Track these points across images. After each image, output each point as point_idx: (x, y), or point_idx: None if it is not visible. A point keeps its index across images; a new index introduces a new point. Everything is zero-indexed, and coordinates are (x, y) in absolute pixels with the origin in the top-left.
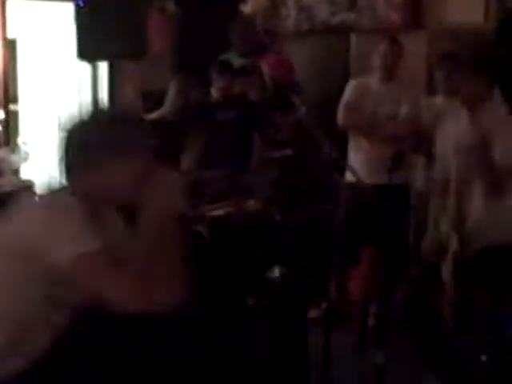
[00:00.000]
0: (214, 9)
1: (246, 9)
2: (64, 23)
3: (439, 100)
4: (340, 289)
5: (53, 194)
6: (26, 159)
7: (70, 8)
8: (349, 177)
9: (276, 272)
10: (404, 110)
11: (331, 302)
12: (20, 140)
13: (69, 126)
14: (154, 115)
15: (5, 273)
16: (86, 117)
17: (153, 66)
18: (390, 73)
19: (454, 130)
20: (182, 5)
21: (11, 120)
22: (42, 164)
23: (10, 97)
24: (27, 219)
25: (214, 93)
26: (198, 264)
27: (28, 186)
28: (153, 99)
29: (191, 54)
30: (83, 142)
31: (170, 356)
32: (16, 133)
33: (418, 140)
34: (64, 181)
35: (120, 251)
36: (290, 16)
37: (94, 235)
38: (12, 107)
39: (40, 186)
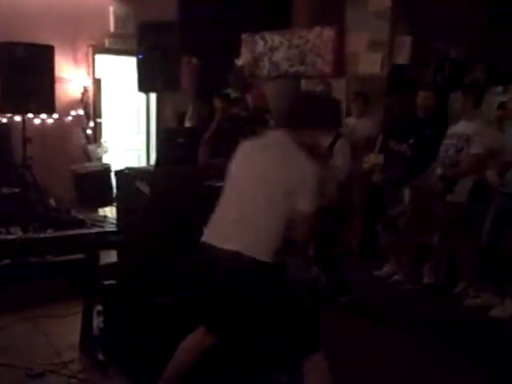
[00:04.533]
0: (219, 62)
1: (239, 62)
2: (130, 69)
3: (353, 120)
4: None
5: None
6: (106, 151)
7: (134, 60)
8: None
9: None
10: None
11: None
12: (102, 140)
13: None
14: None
15: None
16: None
17: (183, 96)
18: None
19: None
20: (200, 59)
21: (97, 127)
22: (115, 155)
23: (97, 113)
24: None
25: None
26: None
27: (107, 168)
28: (183, 116)
29: (206, 89)
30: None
31: None
32: (100, 135)
33: None
34: None
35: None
36: (265, 67)
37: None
38: (98, 120)
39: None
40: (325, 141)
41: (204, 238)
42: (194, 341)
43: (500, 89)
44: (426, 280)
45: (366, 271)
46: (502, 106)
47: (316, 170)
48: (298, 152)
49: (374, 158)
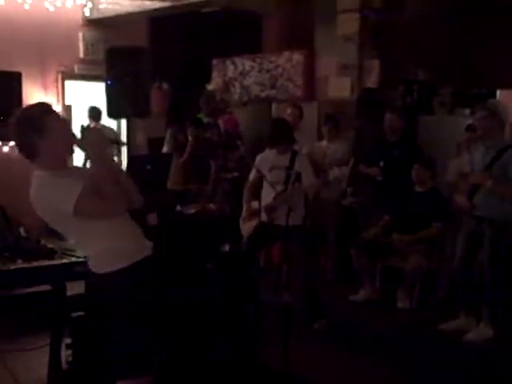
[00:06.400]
0: (190, 87)
1: (210, 87)
2: (101, 94)
3: (324, 143)
4: (266, 256)
5: None
6: None
7: (103, 86)
8: None
9: (226, 247)
10: (304, 150)
11: (259, 264)
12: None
13: None
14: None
15: None
16: None
17: (154, 122)
18: (295, 125)
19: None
20: (171, 85)
21: None
22: None
23: None
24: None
25: (190, 138)
26: (180, 241)
27: None
28: (154, 142)
29: (178, 114)
30: None
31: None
32: (71, 162)
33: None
34: None
35: None
36: (236, 92)
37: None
38: None
39: None
40: None
41: None
42: None
43: (467, 111)
44: (400, 304)
45: (341, 296)
46: (469, 128)
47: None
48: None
49: None
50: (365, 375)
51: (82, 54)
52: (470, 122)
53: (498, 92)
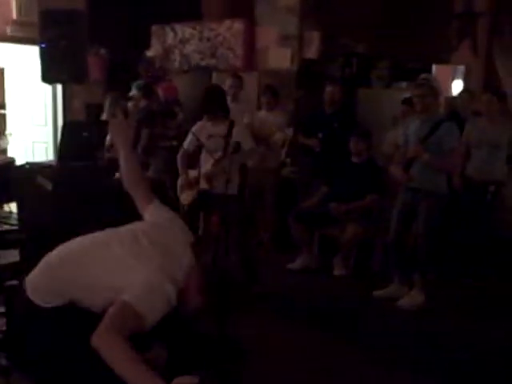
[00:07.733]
0: (129, 53)
1: (149, 53)
2: (36, 58)
3: (263, 113)
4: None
5: None
6: (7, 143)
7: (37, 49)
8: None
9: None
10: (245, 120)
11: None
12: (7, 132)
13: None
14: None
15: None
16: None
17: (91, 88)
18: (235, 95)
19: None
20: (109, 50)
21: (1, 119)
22: (22, 147)
23: (1, 104)
24: None
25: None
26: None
27: (11, 162)
28: (92, 109)
29: (116, 80)
30: None
31: None
32: (5, 127)
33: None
34: None
35: None
36: (176, 60)
37: None
38: (2, 111)
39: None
40: None
41: None
42: None
43: (404, 85)
44: (336, 272)
45: (279, 264)
46: (405, 101)
47: None
48: None
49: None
50: (299, 340)
51: (14, 16)
52: (406, 95)
53: (434, 67)
